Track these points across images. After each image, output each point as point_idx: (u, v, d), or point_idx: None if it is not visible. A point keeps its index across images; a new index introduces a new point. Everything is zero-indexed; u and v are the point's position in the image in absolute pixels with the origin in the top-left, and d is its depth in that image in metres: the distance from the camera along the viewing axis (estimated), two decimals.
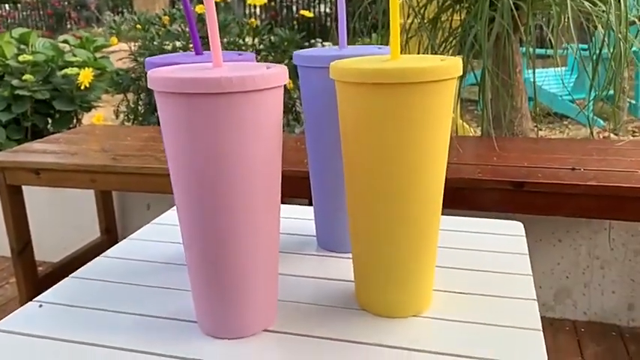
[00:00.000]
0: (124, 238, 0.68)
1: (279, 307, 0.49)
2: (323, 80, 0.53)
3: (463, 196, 1.10)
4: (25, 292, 1.60)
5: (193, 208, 0.42)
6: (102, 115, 2.19)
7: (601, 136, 2.40)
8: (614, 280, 1.58)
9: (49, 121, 2.46)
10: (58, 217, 2.03)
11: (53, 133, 2.38)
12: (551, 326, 1.59)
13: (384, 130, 0.43)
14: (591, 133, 1.54)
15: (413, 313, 0.49)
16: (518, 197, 1.07)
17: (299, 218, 0.72)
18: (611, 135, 2.46)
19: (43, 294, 0.55)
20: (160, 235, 0.68)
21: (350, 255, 0.52)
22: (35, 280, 1.62)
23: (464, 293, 0.52)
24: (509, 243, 0.64)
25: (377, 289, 0.49)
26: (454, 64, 0.42)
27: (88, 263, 0.62)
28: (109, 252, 0.64)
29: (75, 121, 2.54)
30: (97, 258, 0.63)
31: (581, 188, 1.03)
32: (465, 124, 2.06)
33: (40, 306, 0.53)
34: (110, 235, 1.93)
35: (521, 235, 0.67)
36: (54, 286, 0.57)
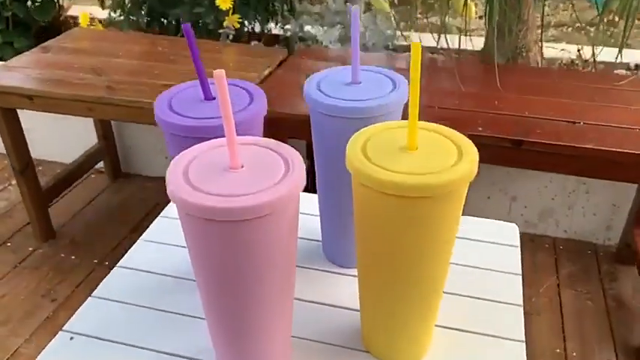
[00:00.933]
0: (121, 144, 0.69)
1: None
2: (334, 124, 0.53)
3: None
4: (32, 209, 1.65)
5: (212, 298, 0.45)
6: (87, 14, 2.07)
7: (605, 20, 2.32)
8: (597, 204, 1.66)
9: (30, 9, 2.33)
10: (56, 130, 2.02)
11: (35, 20, 2.28)
12: (532, 243, 1.70)
13: (399, 229, 0.44)
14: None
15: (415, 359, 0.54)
16: (517, 154, 1.09)
17: (303, 213, 0.74)
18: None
19: (71, 322, 0.60)
20: (173, 236, 0.70)
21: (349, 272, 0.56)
22: (40, 194, 1.66)
23: (462, 330, 0.57)
24: (503, 259, 0.68)
25: (382, 339, 0.53)
26: (470, 169, 0.43)
27: (107, 278, 0.65)
28: (125, 261, 0.68)
29: (57, 8, 2.41)
30: (115, 269, 0.67)
31: (579, 151, 1.05)
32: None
33: (72, 338, 0.58)
34: (107, 142, 1.94)
35: (516, 246, 0.71)
36: (80, 311, 0.61)
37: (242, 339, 0.47)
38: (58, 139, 2.07)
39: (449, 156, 0.44)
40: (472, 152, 0.44)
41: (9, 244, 1.73)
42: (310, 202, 0.70)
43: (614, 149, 1.03)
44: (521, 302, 0.62)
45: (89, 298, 0.64)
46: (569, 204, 1.68)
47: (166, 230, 0.73)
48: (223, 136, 0.48)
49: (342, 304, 0.60)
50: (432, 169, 0.42)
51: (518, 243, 0.71)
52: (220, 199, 0.39)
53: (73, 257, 1.66)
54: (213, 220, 0.39)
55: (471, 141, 0.46)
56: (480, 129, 1.11)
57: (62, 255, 1.67)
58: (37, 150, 2.13)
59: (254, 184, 0.40)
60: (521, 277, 0.66)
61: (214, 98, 0.53)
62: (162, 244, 0.71)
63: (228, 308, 0.45)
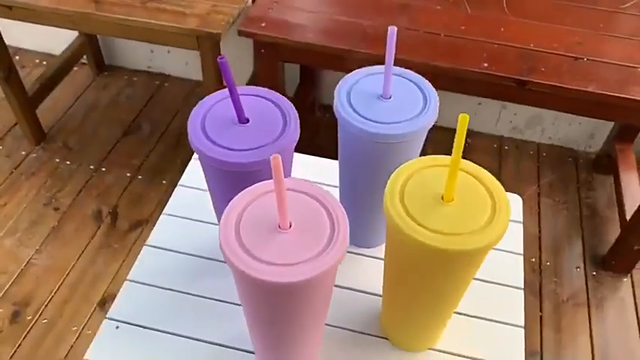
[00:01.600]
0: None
1: None
2: (362, 143, 0.54)
3: (465, 83, 1.12)
4: (20, 113, 1.62)
5: (257, 333, 0.50)
6: None
7: None
8: None
9: None
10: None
11: None
12: (517, 149, 1.77)
13: (430, 271, 0.49)
14: None
15: (428, 347, 0.62)
16: (520, 93, 1.10)
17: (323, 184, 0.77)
18: None
19: (113, 309, 0.65)
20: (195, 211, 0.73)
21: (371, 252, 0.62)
22: (26, 98, 1.62)
23: (468, 315, 0.64)
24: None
25: (401, 332, 0.60)
26: (502, 230, 0.46)
27: (139, 260, 0.69)
28: (154, 240, 0.71)
29: None
30: (144, 249, 0.70)
31: (580, 94, 1.06)
32: None
33: (117, 327, 0.63)
34: (90, 35, 1.85)
35: (519, 222, 0.76)
36: (120, 296, 0.66)
37: (281, 349, 0.53)
38: (38, 31, 1.96)
39: (483, 210, 0.47)
40: (505, 209, 0.47)
41: (0, 147, 1.72)
42: (329, 171, 0.73)
43: (615, 94, 1.05)
44: (522, 284, 0.69)
45: (125, 282, 0.68)
46: (556, 113, 1.71)
47: (188, 204, 0.76)
48: (259, 169, 0.50)
49: (361, 288, 0.66)
50: (466, 228, 0.45)
51: (521, 217, 0.76)
52: (272, 271, 0.42)
53: (68, 162, 1.68)
54: (264, 288, 0.43)
55: (505, 193, 0.48)
56: (485, 65, 1.10)
57: (57, 160, 1.68)
58: (16, 40, 2.03)
59: (302, 251, 0.43)
60: (522, 257, 0.72)
61: (248, 120, 0.53)
62: (186, 220, 0.74)
63: (271, 339, 0.50)
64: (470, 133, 1.80)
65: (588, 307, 1.37)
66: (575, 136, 1.76)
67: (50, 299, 1.35)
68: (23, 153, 1.70)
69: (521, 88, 1.09)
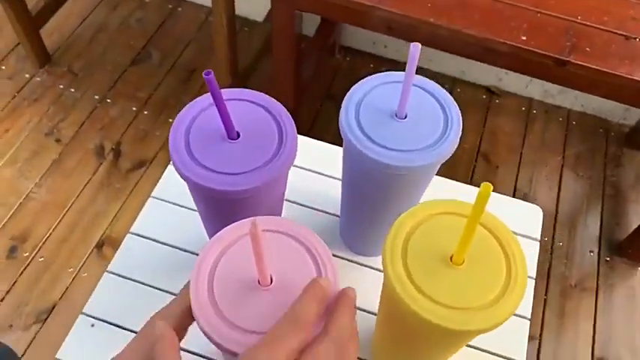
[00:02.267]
0: None
1: None
2: (367, 167, 0.47)
3: (497, 56, 1.01)
4: (22, 33, 1.53)
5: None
6: None
7: None
8: None
9: None
10: None
11: None
12: (546, 114, 1.66)
13: (427, 338, 0.43)
14: None
15: None
16: (558, 73, 0.99)
17: (321, 174, 0.70)
18: None
19: (89, 306, 0.61)
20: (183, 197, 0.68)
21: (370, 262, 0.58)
22: (29, 18, 1.52)
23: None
24: None
25: None
26: (515, 306, 0.39)
27: (120, 251, 0.64)
28: (138, 228, 0.66)
29: None
30: (128, 237, 0.65)
31: (624, 81, 0.95)
32: None
33: (93, 325, 0.59)
34: None
35: (536, 239, 0.69)
36: (97, 291, 0.62)
37: None
38: None
39: (496, 277, 0.40)
40: (521, 278, 0.40)
41: (3, 67, 1.64)
42: (332, 162, 0.66)
43: None
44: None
45: (105, 273, 0.63)
46: None
47: (174, 192, 0.69)
48: (248, 196, 0.44)
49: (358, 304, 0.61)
50: (474, 301, 0.39)
51: (539, 234, 0.70)
52: (251, 338, 0.37)
53: (72, 90, 1.61)
54: None
55: (523, 253, 0.41)
56: (524, 38, 0.98)
57: (61, 86, 1.61)
58: None
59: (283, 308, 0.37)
60: (534, 281, 0.66)
61: (239, 135, 0.46)
62: (174, 206, 0.68)
63: None
64: (499, 93, 1.68)
65: (596, 293, 1.33)
66: (610, 106, 1.64)
67: (48, 237, 1.33)
68: (27, 76, 1.62)
69: (559, 68, 0.98)
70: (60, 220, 1.35)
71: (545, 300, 1.31)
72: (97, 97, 1.59)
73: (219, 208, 0.49)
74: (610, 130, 1.64)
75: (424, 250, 0.41)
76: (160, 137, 1.52)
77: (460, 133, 0.47)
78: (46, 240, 1.32)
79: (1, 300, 1.23)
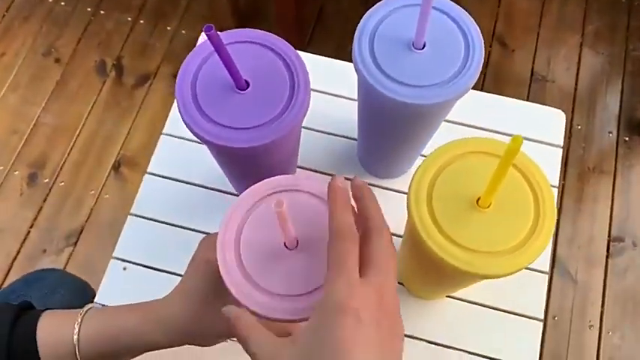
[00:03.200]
0: None
1: None
2: (384, 102, 0.45)
3: None
4: None
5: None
6: None
7: None
8: None
9: None
10: None
11: None
12: None
13: (450, 275, 0.43)
14: None
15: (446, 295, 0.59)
16: None
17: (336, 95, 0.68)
18: None
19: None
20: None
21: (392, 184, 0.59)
22: None
23: None
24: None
25: (418, 289, 0.57)
26: (542, 247, 0.39)
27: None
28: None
29: None
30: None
31: None
32: None
33: (125, 269, 0.61)
34: None
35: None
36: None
37: None
38: None
39: (523, 222, 0.40)
40: (550, 217, 0.40)
41: None
42: (344, 81, 0.64)
43: None
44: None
45: (128, 216, 0.64)
46: None
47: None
48: (263, 150, 0.42)
49: None
50: (499, 245, 0.39)
51: (561, 140, 0.68)
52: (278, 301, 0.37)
53: (62, 4, 1.52)
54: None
55: (552, 194, 0.40)
56: None
57: (50, 0, 1.53)
58: None
59: (309, 279, 0.37)
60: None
61: (248, 84, 0.44)
62: (185, 141, 0.66)
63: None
64: None
65: (614, 175, 1.32)
66: None
67: (64, 161, 1.34)
68: None
69: None
70: (73, 144, 1.35)
71: (562, 185, 1.31)
72: (89, 9, 1.51)
73: (235, 161, 0.47)
74: (633, 1, 1.54)
75: (450, 193, 0.41)
76: (160, 49, 1.46)
77: (482, 63, 0.44)
78: (63, 165, 1.33)
79: (31, 227, 1.27)
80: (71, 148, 1.35)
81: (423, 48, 0.44)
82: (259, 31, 0.46)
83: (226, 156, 0.46)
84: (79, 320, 0.43)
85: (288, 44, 0.45)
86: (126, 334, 0.42)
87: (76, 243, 1.24)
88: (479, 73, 0.44)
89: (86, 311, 0.44)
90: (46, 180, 1.32)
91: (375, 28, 0.45)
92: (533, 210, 0.40)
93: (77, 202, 1.29)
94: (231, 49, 0.44)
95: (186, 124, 0.43)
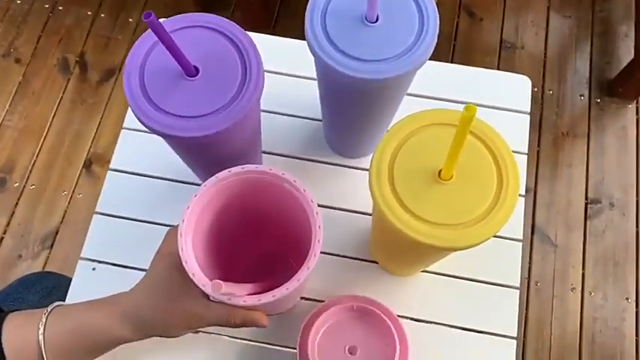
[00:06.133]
0: None
1: None
2: (338, 77, 0.44)
3: None
4: None
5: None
6: None
7: None
8: None
9: None
10: None
11: None
12: None
13: (417, 252, 0.43)
14: None
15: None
16: None
17: (297, 76, 0.66)
18: None
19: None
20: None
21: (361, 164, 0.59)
22: None
23: None
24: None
25: (391, 265, 0.57)
26: (504, 219, 0.38)
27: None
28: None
29: None
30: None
31: None
32: None
33: (94, 269, 0.59)
34: None
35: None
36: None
37: None
38: None
39: (486, 192, 0.39)
40: (514, 183, 0.39)
41: None
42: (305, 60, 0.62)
43: None
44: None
45: (94, 215, 0.62)
46: None
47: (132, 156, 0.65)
48: (217, 138, 0.41)
49: (351, 207, 0.61)
50: (461, 217, 0.38)
51: (528, 106, 0.67)
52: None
53: (18, 2, 1.48)
54: None
55: (515, 160, 0.40)
56: None
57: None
58: None
59: None
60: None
61: (198, 71, 0.42)
62: (147, 134, 0.65)
63: None
64: None
65: (588, 138, 1.33)
66: None
67: (34, 163, 1.31)
68: None
69: None
70: (41, 146, 1.32)
71: (538, 152, 1.32)
72: (46, 5, 1.47)
73: (193, 151, 0.46)
74: None
75: (411, 168, 0.40)
76: (123, 42, 1.42)
77: (437, 32, 0.43)
78: (32, 167, 1.30)
79: (4, 233, 1.24)
80: (39, 150, 1.32)
81: (376, 21, 0.43)
82: (210, 15, 0.44)
83: (182, 146, 0.45)
84: (44, 320, 0.42)
85: (240, 28, 0.44)
86: (92, 331, 0.42)
87: (52, 246, 1.22)
88: (435, 42, 0.43)
89: (50, 310, 0.43)
90: (16, 184, 1.29)
91: (326, 5, 0.44)
92: (496, 177, 0.39)
93: (50, 204, 1.26)
94: (181, 34, 0.42)
95: (136, 115, 0.41)
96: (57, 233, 1.23)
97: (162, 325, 0.41)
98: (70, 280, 0.70)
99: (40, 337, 0.41)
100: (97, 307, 0.43)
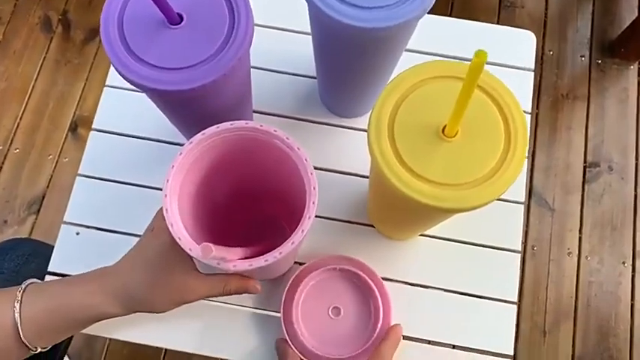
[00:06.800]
0: None
1: None
2: (339, 32, 0.40)
3: None
4: None
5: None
6: None
7: None
8: None
9: None
10: None
11: None
12: None
13: (416, 211, 0.40)
14: None
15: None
16: None
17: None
18: None
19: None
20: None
21: (357, 123, 0.58)
22: None
23: None
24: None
25: (389, 230, 0.54)
26: (513, 176, 0.36)
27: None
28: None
29: None
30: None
31: None
32: None
33: (78, 234, 0.57)
34: None
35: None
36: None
37: None
38: None
39: (494, 147, 0.36)
40: (522, 141, 0.36)
41: None
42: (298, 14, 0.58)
43: None
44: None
45: (76, 177, 0.59)
46: None
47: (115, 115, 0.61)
48: (202, 92, 0.38)
49: (346, 169, 0.58)
50: (466, 177, 0.35)
51: (532, 64, 0.64)
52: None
53: None
54: None
55: (524, 116, 0.37)
56: None
57: None
58: None
59: None
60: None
61: (182, 18, 0.38)
62: (130, 92, 0.61)
63: None
64: None
65: (588, 100, 1.30)
66: None
67: (17, 127, 1.26)
68: None
69: None
70: (25, 108, 1.27)
71: (536, 114, 1.29)
72: None
73: (176, 107, 0.43)
74: None
75: (413, 124, 0.37)
76: None
77: None
78: (16, 131, 1.26)
79: None
80: (23, 112, 1.27)
81: None
82: None
83: (167, 102, 0.42)
84: (19, 298, 0.40)
85: None
86: (74, 308, 0.40)
87: (38, 211, 1.19)
88: None
89: (25, 288, 0.41)
90: (0, 148, 1.25)
91: None
92: (503, 135, 0.36)
93: (35, 169, 1.23)
94: None
95: (115, 68, 0.38)
96: (43, 198, 1.20)
97: (153, 300, 0.39)
98: (47, 246, 0.67)
99: (17, 315, 0.39)
100: (76, 283, 0.41)
